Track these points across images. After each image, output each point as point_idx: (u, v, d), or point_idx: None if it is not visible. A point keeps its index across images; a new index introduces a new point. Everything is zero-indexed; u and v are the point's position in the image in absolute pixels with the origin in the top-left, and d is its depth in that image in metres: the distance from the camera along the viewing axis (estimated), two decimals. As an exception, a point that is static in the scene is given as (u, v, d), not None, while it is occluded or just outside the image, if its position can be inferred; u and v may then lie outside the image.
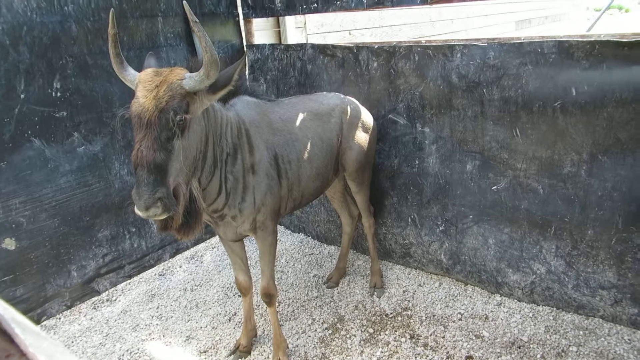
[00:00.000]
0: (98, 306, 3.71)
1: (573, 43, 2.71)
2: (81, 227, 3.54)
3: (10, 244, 3.16)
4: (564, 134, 2.88)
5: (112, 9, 2.20)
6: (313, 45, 3.90)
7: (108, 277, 3.81)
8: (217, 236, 3.00)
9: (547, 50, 2.80)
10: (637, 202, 2.75)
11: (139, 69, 3.63)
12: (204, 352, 3.16)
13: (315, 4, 3.73)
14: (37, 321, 3.43)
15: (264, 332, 3.31)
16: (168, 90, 1.97)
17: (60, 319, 3.53)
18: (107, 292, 3.85)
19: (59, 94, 3.24)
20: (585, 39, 2.70)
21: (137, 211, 1.97)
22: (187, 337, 3.32)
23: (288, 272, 4.05)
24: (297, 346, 3.13)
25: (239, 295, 3.74)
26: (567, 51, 2.74)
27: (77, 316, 3.59)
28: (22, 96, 3.06)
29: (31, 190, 3.20)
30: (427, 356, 2.95)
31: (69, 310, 3.61)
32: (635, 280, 2.89)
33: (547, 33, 3.31)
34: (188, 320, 3.49)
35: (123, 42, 3.54)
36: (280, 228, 4.77)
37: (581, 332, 3.03)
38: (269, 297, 2.88)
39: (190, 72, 2.11)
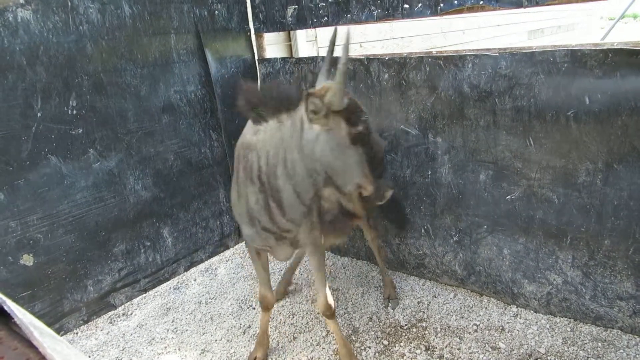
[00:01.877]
0: (114, 320, 3.74)
1: (586, 52, 2.70)
2: (97, 242, 3.58)
3: (28, 260, 3.21)
4: (578, 143, 2.86)
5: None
6: (324, 58, 3.93)
7: (124, 292, 3.84)
8: (251, 255, 2.91)
9: (559, 59, 2.79)
10: (655, 211, 2.72)
11: (152, 85, 3.71)
12: (219, 365, 3.16)
13: (326, 18, 3.77)
14: (55, 336, 3.46)
15: (278, 344, 3.30)
16: None
17: (77, 333, 3.57)
18: (123, 306, 3.88)
19: (74, 112, 3.30)
20: (598, 48, 2.68)
21: (388, 194, 2.22)
22: (202, 350, 3.32)
23: (302, 284, 4.05)
24: (312, 358, 3.12)
25: (253, 308, 3.75)
26: (579, 60, 2.73)
27: (94, 330, 3.62)
28: (39, 114, 3.12)
29: (48, 206, 3.25)
30: (443, 369, 2.93)
31: (85, 325, 3.65)
32: (655, 291, 2.84)
33: (560, 42, 3.29)
34: (203, 334, 3.50)
35: (137, 59, 3.60)
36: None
37: (599, 344, 2.98)
38: (331, 310, 2.91)
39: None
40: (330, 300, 2.89)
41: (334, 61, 2.33)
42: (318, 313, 2.92)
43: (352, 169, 2.12)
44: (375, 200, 2.19)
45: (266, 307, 3.05)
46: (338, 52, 2.18)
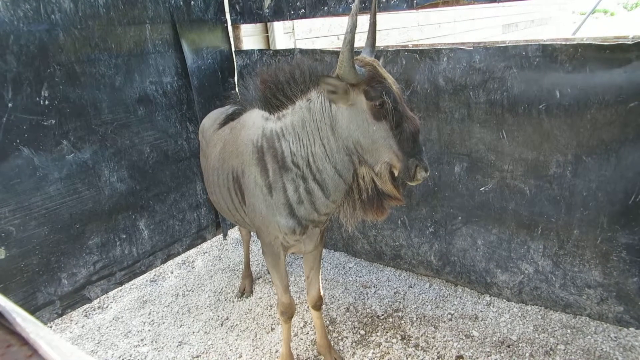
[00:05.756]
0: (89, 314, 3.70)
1: (556, 46, 2.77)
2: (71, 235, 3.53)
3: (0, 253, 3.15)
4: (549, 136, 2.93)
5: None
6: (301, 50, 3.93)
7: (99, 285, 3.80)
8: (272, 260, 2.63)
9: (531, 53, 2.85)
10: (621, 202, 2.81)
11: (127, 75, 3.66)
12: (197, 357, 3.16)
13: (303, 10, 3.76)
14: (28, 330, 3.41)
15: (256, 336, 3.32)
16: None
17: (51, 327, 3.52)
18: (98, 299, 3.84)
19: (47, 102, 3.23)
20: (568, 43, 2.75)
21: (422, 174, 1.99)
22: (179, 342, 3.32)
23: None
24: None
25: (231, 301, 3.75)
26: (550, 54, 2.79)
27: (69, 324, 3.57)
28: (10, 105, 3.05)
29: (20, 198, 3.19)
30: (418, 357, 2.98)
31: (60, 319, 3.60)
32: (620, 279, 2.94)
33: (534, 37, 3.36)
34: (180, 326, 3.50)
35: (111, 49, 3.54)
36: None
37: (569, 331, 3.08)
38: (321, 302, 2.95)
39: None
40: (322, 291, 2.93)
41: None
42: (308, 306, 2.91)
43: (380, 146, 2.00)
44: (406, 180, 2.03)
45: (291, 317, 2.86)
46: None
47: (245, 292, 3.86)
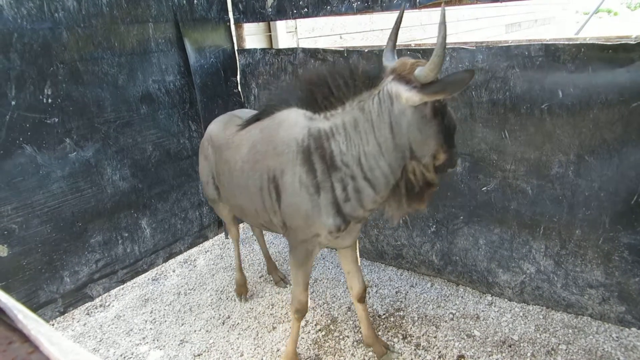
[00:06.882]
0: (91, 312, 3.71)
1: (559, 46, 2.76)
2: (73, 233, 3.54)
3: (2, 250, 3.15)
4: (552, 136, 2.93)
5: None
6: (304, 50, 3.93)
7: (101, 283, 3.81)
8: (305, 258, 2.63)
9: (534, 53, 2.85)
10: (624, 202, 2.80)
11: (130, 74, 3.67)
12: (198, 355, 3.17)
13: (306, 9, 3.76)
14: (30, 327, 3.42)
15: (257, 334, 3.32)
16: None
17: (53, 325, 3.53)
18: (100, 297, 3.85)
19: (50, 101, 3.24)
20: (570, 42, 2.74)
21: (458, 161, 2.28)
22: (181, 340, 3.33)
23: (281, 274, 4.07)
24: (291, 348, 3.15)
25: (233, 300, 3.76)
26: (553, 54, 2.79)
27: (71, 322, 3.59)
28: (13, 103, 3.06)
29: (23, 196, 3.20)
30: (420, 356, 2.98)
31: (62, 317, 3.61)
32: (622, 279, 2.94)
33: (537, 36, 3.35)
34: (182, 324, 3.50)
35: (114, 47, 3.55)
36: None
37: (570, 331, 3.08)
38: (365, 294, 2.99)
39: None
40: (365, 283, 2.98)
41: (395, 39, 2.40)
42: (353, 301, 2.91)
43: (431, 139, 2.13)
44: (447, 168, 2.25)
45: (304, 316, 2.86)
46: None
47: (243, 295, 3.80)
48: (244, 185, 2.70)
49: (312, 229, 2.44)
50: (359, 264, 2.94)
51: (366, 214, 2.45)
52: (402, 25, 2.47)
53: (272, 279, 4.00)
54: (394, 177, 2.27)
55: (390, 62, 2.29)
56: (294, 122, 2.41)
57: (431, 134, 2.12)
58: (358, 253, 2.93)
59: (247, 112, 3.20)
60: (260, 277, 4.06)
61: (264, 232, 3.99)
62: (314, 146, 2.30)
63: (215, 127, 3.19)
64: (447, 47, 3.14)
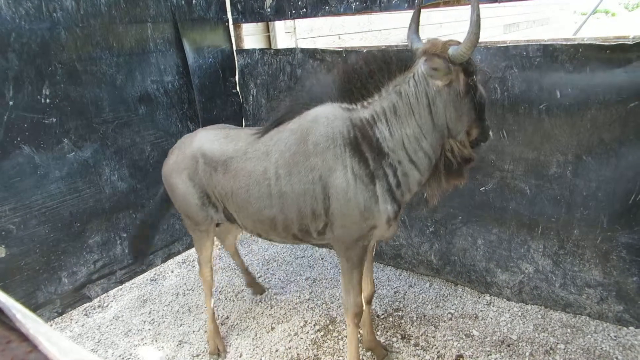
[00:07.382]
0: (89, 312, 3.70)
1: (557, 47, 2.77)
2: (72, 234, 3.53)
3: (0, 251, 3.15)
4: (550, 136, 2.93)
5: None
6: (302, 50, 3.93)
7: (99, 283, 3.80)
8: (358, 258, 2.51)
9: (532, 53, 2.85)
10: (621, 202, 2.81)
11: (128, 74, 3.67)
12: (197, 356, 3.16)
13: (305, 9, 3.77)
14: (28, 328, 3.42)
15: (256, 335, 3.32)
16: None
17: (51, 326, 3.52)
18: (98, 298, 3.84)
19: (48, 101, 3.24)
20: (568, 43, 2.75)
21: (491, 133, 2.38)
22: (179, 341, 3.32)
23: (280, 275, 4.07)
24: (290, 348, 3.15)
25: (232, 300, 3.76)
26: (551, 55, 2.80)
27: (69, 323, 3.58)
28: (11, 103, 3.05)
29: (21, 197, 3.20)
30: (418, 356, 2.98)
31: (60, 317, 3.60)
32: (620, 278, 2.94)
33: (535, 37, 3.37)
34: (180, 325, 3.50)
35: (113, 47, 3.55)
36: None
37: (569, 330, 3.08)
38: (373, 295, 3.00)
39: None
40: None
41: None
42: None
43: (465, 116, 2.21)
44: (481, 141, 2.34)
45: (360, 319, 2.73)
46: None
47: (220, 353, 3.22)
48: (279, 193, 2.44)
49: (369, 221, 2.36)
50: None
51: (409, 198, 2.48)
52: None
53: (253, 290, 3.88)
54: (435, 157, 2.33)
55: (418, 44, 2.32)
56: (333, 116, 2.34)
57: (465, 111, 2.20)
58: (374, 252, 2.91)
59: (224, 127, 2.94)
60: (259, 278, 4.06)
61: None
62: (361, 136, 2.28)
63: (208, 143, 2.72)
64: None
